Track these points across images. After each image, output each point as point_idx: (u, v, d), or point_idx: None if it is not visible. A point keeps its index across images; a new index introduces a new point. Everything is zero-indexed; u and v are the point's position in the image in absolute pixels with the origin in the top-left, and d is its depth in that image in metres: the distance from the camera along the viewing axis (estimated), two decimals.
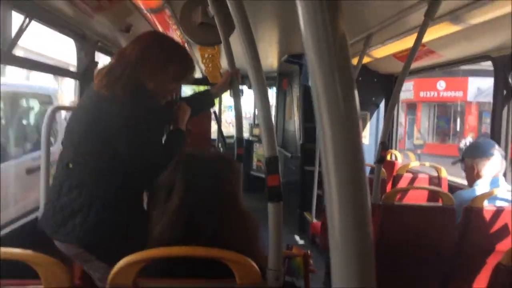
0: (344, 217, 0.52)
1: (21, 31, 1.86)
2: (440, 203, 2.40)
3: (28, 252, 1.14)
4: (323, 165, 0.54)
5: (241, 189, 1.39)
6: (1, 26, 1.78)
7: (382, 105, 4.88)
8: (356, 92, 0.54)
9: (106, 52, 3.14)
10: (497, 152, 2.49)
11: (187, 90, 8.14)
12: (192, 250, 1.17)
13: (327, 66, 0.53)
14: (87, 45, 2.66)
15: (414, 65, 3.68)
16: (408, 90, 21.40)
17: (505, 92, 2.95)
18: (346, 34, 0.55)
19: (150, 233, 1.28)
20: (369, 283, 0.53)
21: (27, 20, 1.88)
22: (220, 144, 6.10)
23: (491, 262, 2.17)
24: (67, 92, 14.47)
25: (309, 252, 1.56)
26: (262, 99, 1.29)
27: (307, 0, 0.54)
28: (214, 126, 6.34)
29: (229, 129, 15.05)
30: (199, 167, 1.31)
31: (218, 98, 7.12)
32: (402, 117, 23.95)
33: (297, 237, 5.02)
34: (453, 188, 3.25)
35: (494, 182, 2.45)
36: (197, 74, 6.61)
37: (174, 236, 1.22)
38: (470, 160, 2.53)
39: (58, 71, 2.53)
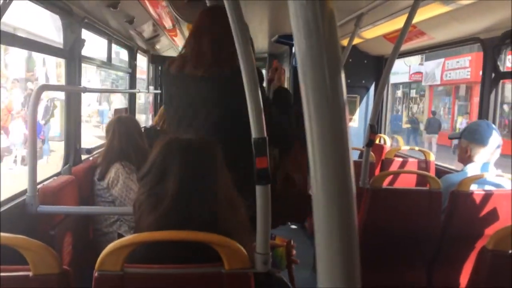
0: (329, 200, 0.51)
1: (5, 5, 1.79)
2: (428, 187, 2.41)
3: (17, 236, 1.12)
4: (308, 148, 0.52)
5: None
6: None
7: (372, 88, 4.87)
8: (343, 74, 0.52)
9: (92, 29, 3.07)
10: (495, 141, 2.45)
11: None
12: (179, 234, 1.16)
13: (315, 47, 0.51)
14: (73, 21, 2.59)
15: (405, 46, 3.67)
16: (462, 68, 17.60)
17: (493, 75, 2.95)
18: (334, 14, 0.53)
19: (139, 221, 1.24)
20: (354, 268, 0.52)
21: None
22: None
23: (478, 246, 2.20)
24: (12, 66, 11.94)
25: (292, 242, 1.53)
26: (251, 79, 1.27)
27: None
28: None
29: None
30: (194, 152, 1.28)
31: None
32: (440, 103, 20.51)
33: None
34: (441, 172, 3.28)
35: (484, 167, 2.46)
36: None
37: (169, 223, 1.19)
38: (465, 142, 2.52)
39: (44, 48, 2.46)
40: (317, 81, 0.51)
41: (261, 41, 5.77)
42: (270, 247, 1.50)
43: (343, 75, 0.51)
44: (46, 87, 2.29)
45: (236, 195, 1.31)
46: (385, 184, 2.50)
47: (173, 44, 5.36)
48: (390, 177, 3.37)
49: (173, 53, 6.37)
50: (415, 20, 2.50)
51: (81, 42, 2.69)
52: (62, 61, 2.64)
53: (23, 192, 2.07)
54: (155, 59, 5.86)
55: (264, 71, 7.38)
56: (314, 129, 0.51)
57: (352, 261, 0.51)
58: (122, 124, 2.74)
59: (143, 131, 4.34)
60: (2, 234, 1.15)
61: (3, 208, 1.92)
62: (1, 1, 1.81)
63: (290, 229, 4.74)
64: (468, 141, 2.51)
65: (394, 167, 3.62)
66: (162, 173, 1.24)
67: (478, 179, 2.32)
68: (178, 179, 1.22)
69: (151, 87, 5.81)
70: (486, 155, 2.47)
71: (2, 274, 1.11)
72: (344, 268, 0.51)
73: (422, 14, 2.75)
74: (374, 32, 3.76)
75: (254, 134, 1.25)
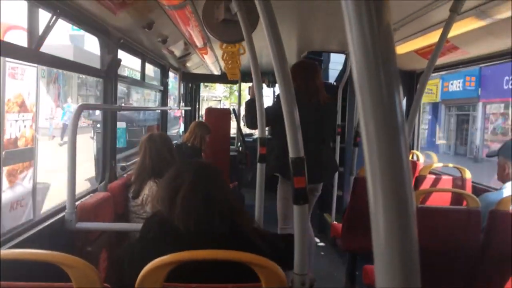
0: (389, 218, 0.50)
1: (48, 28, 1.87)
2: (464, 206, 2.35)
3: (61, 254, 1.15)
4: (366, 163, 0.52)
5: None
6: (29, 24, 1.79)
7: (403, 104, 4.79)
8: (400, 86, 0.52)
9: (128, 49, 3.16)
10: None
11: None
12: (218, 253, 1.16)
13: (371, 60, 0.50)
14: (110, 42, 2.67)
15: (438, 61, 3.61)
16: None
17: None
18: (391, 26, 0.52)
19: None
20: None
21: (54, 17, 1.90)
22: (239, 143, 6.11)
23: None
24: None
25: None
26: (288, 96, 1.27)
27: None
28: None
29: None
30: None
31: (237, 96, 7.17)
32: None
33: (316, 239, 4.97)
34: (478, 190, 3.18)
35: None
36: (216, 72, 6.61)
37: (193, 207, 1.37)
38: (503, 159, 2.44)
39: (83, 69, 2.54)
40: (374, 92, 0.50)
41: (290, 57, 5.80)
42: None
43: (400, 87, 0.51)
44: (85, 106, 2.36)
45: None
46: (418, 202, 2.44)
47: (203, 62, 5.46)
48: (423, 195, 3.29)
49: (203, 70, 6.48)
50: (449, 34, 2.47)
51: (117, 62, 2.78)
52: None
53: (63, 208, 2.12)
54: (186, 77, 5.97)
55: None
56: (372, 142, 0.50)
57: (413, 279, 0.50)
58: (153, 142, 2.78)
59: (174, 146, 4.41)
60: (47, 252, 1.18)
61: (43, 225, 1.97)
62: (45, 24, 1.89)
63: (317, 246, 4.67)
64: (505, 158, 2.44)
65: (427, 184, 3.53)
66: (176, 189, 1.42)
67: None
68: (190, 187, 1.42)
69: (182, 104, 5.92)
70: None
71: None
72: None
73: (457, 29, 2.71)
74: (406, 48, 3.72)
75: (291, 153, 1.25)
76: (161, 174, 2.70)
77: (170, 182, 1.44)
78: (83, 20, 2.31)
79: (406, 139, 0.51)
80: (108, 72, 2.70)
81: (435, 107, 19.75)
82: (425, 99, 19.43)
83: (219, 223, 1.35)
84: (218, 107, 16.35)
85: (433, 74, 4.59)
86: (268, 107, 2.83)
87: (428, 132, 20.65)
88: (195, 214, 1.34)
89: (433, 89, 18.71)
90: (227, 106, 20.20)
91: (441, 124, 19.64)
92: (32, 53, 1.80)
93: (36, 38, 1.81)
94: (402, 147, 0.51)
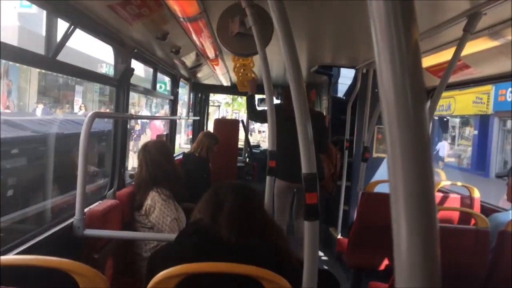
0: (412, 236, 0.50)
1: (65, 38, 1.90)
2: (472, 225, 2.33)
3: (70, 261, 1.15)
4: (390, 180, 0.52)
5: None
6: (47, 33, 1.83)
7: None
8: (427, 102, 0.52)
9: (141, 59, 3.19)
10: None
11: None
12: (227, 266, 1.17)
13: (398, 74, 0.50)
14: (124, 51, 2.71)
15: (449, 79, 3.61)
16: None
17: None
18: (418, 42, 0.53)
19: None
20: None
21: (72, 27, 1.93)
22: (246, 154, 6.12)
23: None
24: None
25: None
26: (302, 110, 1.27)
27: (379, 2, 0.51)
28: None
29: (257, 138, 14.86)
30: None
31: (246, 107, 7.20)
32: None
33: (321, 253, 4.93)
34: (487, 209, 3.16)
35: None
36: (226, 83, 6.66)
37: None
38: None
39: (98, 77, 2.57)
40: (400, 108, 0.50)
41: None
42: None
43: (426, 103, 0.51)
44: (97, 114, 2.39)
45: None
46: None
47: (214, 73, 5.49)
48: None
49: (213, 81, 6.52)
50: (461, 53, 2.48)
51: (130, 71, 2.81)
52: None
53: (71, 215, 2.14)
54: (196, 87, 6.02)
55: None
56: (397, 158, 0.50)
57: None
58: (147, 152, 2.74)
59: (182, 156, 4.42)
60: (56, 258, 1.18)
61: (51, 231, 1.98)
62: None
63: (321, 260, 4.64)
64: None
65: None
66: (219, 206, 1.45)
67: None
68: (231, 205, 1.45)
69: (191, 114, 5.95)
70: None
71: None
72: None
73: (469, 48, 2.71)
74: None
75: (304, 169, 1.25)
76: (161, 183, 2.66)
77: (212, 198, 1.50)
78: (99, 30, 2.34)
79: (431, 156, 0.51)
80: (121, 81, 2.73)
81: (484, 120, 16.71)
82: (473, 110, 16.68)
83: (258, 241, 1.39)
84: (217, 113, 16.06)
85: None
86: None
87: (473, 151, 17.37)
88: (238, 228, 1.38)
89: (483, 99, 16.02)
90: (229, 113, 20.04)
91: (492, 141, 16.37)
92: (49, 61, 1.83)
93: (53, 47, 1.84)
94: (428, 164, 0.50)
